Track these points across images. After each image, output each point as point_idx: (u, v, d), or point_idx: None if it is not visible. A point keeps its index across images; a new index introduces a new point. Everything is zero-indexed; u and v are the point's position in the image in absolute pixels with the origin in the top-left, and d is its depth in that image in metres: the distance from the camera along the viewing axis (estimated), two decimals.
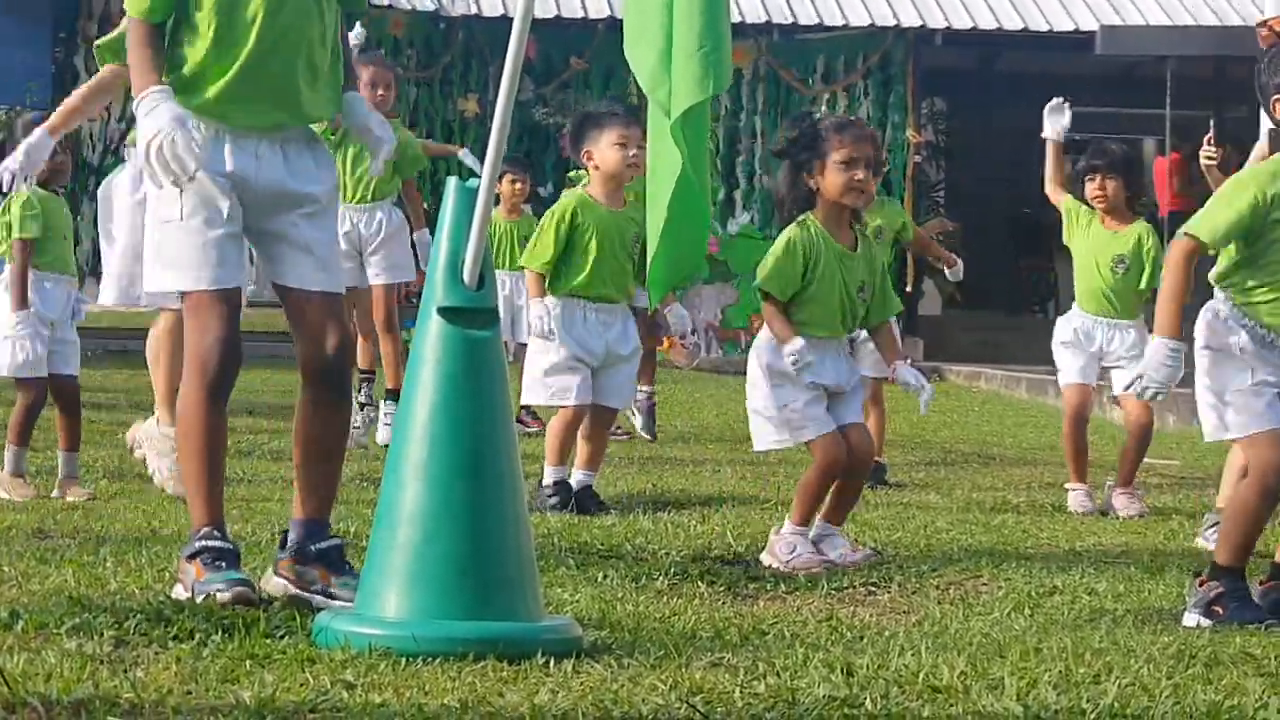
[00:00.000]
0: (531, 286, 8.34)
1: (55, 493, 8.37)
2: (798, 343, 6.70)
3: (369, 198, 10.33)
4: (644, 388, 11.71)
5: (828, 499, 6.89)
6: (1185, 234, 5.70)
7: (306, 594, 5.09)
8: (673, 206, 5.43)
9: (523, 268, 8.74)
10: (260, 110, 5.13)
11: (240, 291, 5.21)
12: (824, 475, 6.80)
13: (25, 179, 7.24)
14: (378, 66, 10.53)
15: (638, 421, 11.60)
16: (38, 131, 7.19)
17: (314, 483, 5.22)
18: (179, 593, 5.03)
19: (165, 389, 7.28)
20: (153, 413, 8.19)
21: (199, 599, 4.88)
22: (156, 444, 7.51)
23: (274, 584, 5.15)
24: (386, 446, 5.37)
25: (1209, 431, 5.78)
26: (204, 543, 5.05)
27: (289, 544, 5.19)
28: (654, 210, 5.53)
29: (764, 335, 6.89)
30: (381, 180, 10.25)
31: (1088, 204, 9.19)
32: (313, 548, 5.15)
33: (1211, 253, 5.73)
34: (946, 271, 10.60)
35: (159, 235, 5.12)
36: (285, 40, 5.13)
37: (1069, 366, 9.13)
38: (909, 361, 7.12)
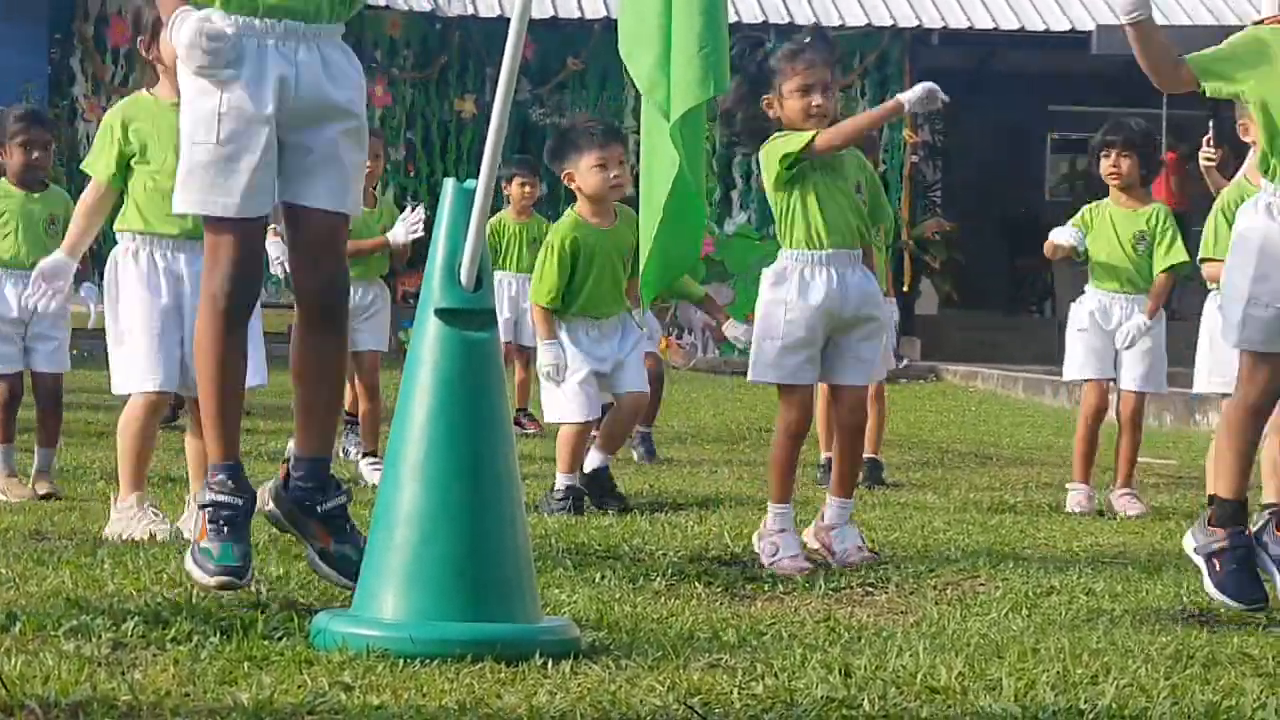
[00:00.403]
0: (541, 327, 8.27)
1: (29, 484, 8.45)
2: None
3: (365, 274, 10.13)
4: (641, 428, 11.59)
5: (833, 470, 6.82)
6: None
7: (295, 534, 5.13)
8: (668, 207, 5.42)
9: (529, 270, 8.74)
10: None
11: (264, 220, 5.15)
12: (785, 434, 6.62)
13: (51, 298, 7.18)
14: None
15: (635, 455, 11.48)
16: (57, 256, 7.14)
17: (313, 416, 5.17)
18: (186, 525, 5.04)
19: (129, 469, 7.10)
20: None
21: (192, 570, 4.96)
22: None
23: (269, 511, 5.16)
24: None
25: (1222, 333, 5.81)
26: (216, 496, 5.07)
27: (293, 484, 5.16)
28: (648, 210, 5.52)
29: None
30: (377, 259, 10.15)
31: (1091, 199, 9.21)
32: (319, 507, 5.14)
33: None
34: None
35: (190, 156, 5.05)
36: None
37: (1086, 361, 9.04)
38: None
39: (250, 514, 5.14)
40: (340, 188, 5.13)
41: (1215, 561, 5.64)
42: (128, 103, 6.93)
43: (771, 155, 6.65)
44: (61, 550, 6.02)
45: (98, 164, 6.84)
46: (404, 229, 9.84)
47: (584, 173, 8.22)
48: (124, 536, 6.58)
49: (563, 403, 8.24)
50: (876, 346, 6.85)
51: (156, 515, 6.76)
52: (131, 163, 6.77)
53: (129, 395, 6.79)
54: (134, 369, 6.75)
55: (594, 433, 8.59)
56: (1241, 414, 5.67)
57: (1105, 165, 9.03)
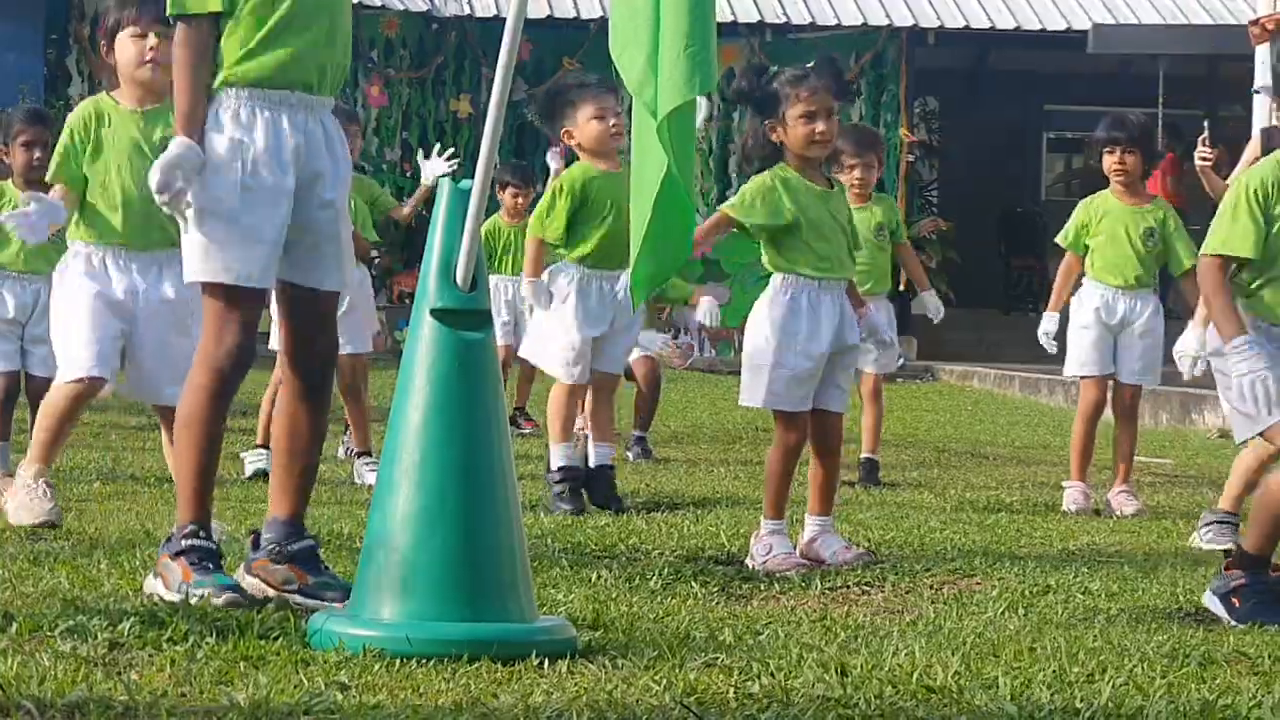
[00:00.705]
0: (531, 262, 8.25)
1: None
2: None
3: None
4: (637, 431, 11.58)
5: (811, 489, 6.89)
6: (1214, 255, 5.67)
7: (280, 593, 5.09)
8: (657, 207, 5.42)
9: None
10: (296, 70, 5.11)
11: (265, 295, 5.19)
12: (786, 454, 6.76)
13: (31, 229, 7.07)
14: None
15: (630, 455, 11.44)
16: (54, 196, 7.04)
17: (294, 480, 5.22)
18: (154, 586, 5.04)
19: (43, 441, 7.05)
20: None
21: (192, 599, 4.89)
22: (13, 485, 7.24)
23: (247, 583, 5.16)
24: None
25: (1243, 432, 5.78)
26: (190, 542, 5.07)
27: (263, 543, 5.20)
28: (638, 210, 5.52)
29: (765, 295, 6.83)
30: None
31: (1088, 196, 9.22)
32: (288, 549, 5.16)
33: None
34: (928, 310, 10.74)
35: (210, 225, 5.06)
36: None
37: (1087, 357, 9.04)
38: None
39: (222, 559, 5.16)
40: (339, 266, 5.21)
41: (1234, 600, 5.62)
42: (90, 106, 6.81)
43: (740, 207, 6.78)
44: (58, 551, 6.02)
45: (57, 171, 6.71)
46: (441, 163, 9.97)
47: (583, 126, 8.23)
48: (15, 522, 6.60)
49: (554, 358, 8.23)
50: (851, 376, 7.01)
51: (49, 494, 6.74)
52: (84, 167, 6.68)
53: (78, 385, 6.71)
54: (72, 355, 6.68)
55: (584, 428, 8.56)
56: None
57: (1110, 162, 9.03)
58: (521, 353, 8.71)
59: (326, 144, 5.18)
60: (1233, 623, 5.55)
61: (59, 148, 6.78)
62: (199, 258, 5.08)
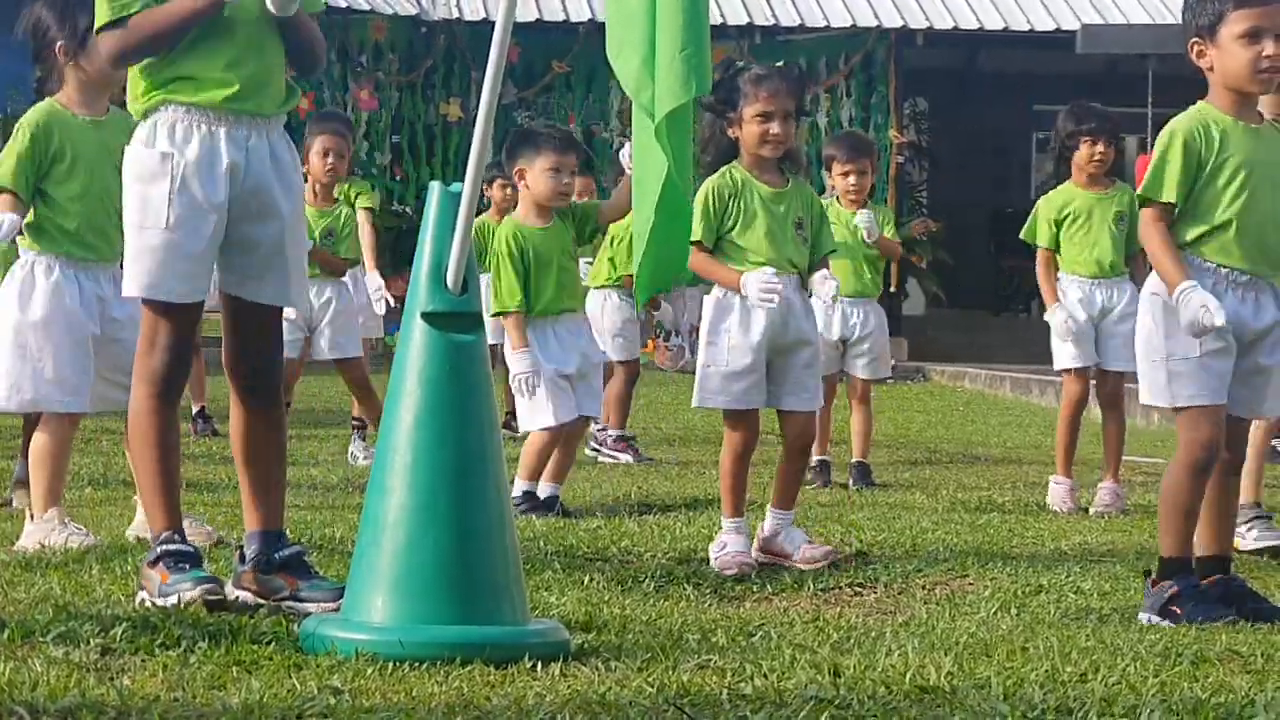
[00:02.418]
0: (514, 335, 8.17)
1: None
2: (755, 276, 6.63)
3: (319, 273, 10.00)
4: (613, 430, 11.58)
5: (775, 481, 6.88)
6: (1149, 202, 5.64)
7: (272, 603, 5.09)
8: (659, 209, 5.44)
9: None
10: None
11: (201, 305, 5.23)
12: (732, 453, 6.74)
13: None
14: (332, 133, 10.30)
15: (627, 457, 11.45)
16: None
17: (259, 492, 5.24)
18: (142, 598, 5.04)
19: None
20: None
21: (168, 602, 4.91)
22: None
23: (238, 596, 5.16)
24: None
25: (1151, 394, 5.72)
26: (165, 547, 5.09)
27: (247, 557, 5.21)
28: (640, 213, 5.54)
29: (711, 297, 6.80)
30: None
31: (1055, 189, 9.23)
32: (275, 556, 5.17)
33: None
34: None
35: (139, 240, 5.13)
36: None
37: (1071, 350, 9.07)
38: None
39: (202, 559, 5.17)
40: (284, 284, 5.23)
41: (1174, 609, 5.55)
42: (45, 113, 6.60)
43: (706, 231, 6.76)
44: (49, 556, 6.01)
45: (16, 178, 6.49)
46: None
47: (536, 174, 8.20)
48: (44, 543, 6.45)
49: (538, 410, 8.20)
50: (817, 373, 6.90)
51: (69, 524, 6.56)
52: (42, 179, 6.51)
53: (60, 420, 6.58)
54: (44, 388, 6.53)
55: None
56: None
57: (1092, 152, 9.05)
58: (523, 428, 8.67)
59: (275, 164, 5.19)
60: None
61: (17, 152, 6.51)
62: (131, 271, 5.17)
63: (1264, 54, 5.55)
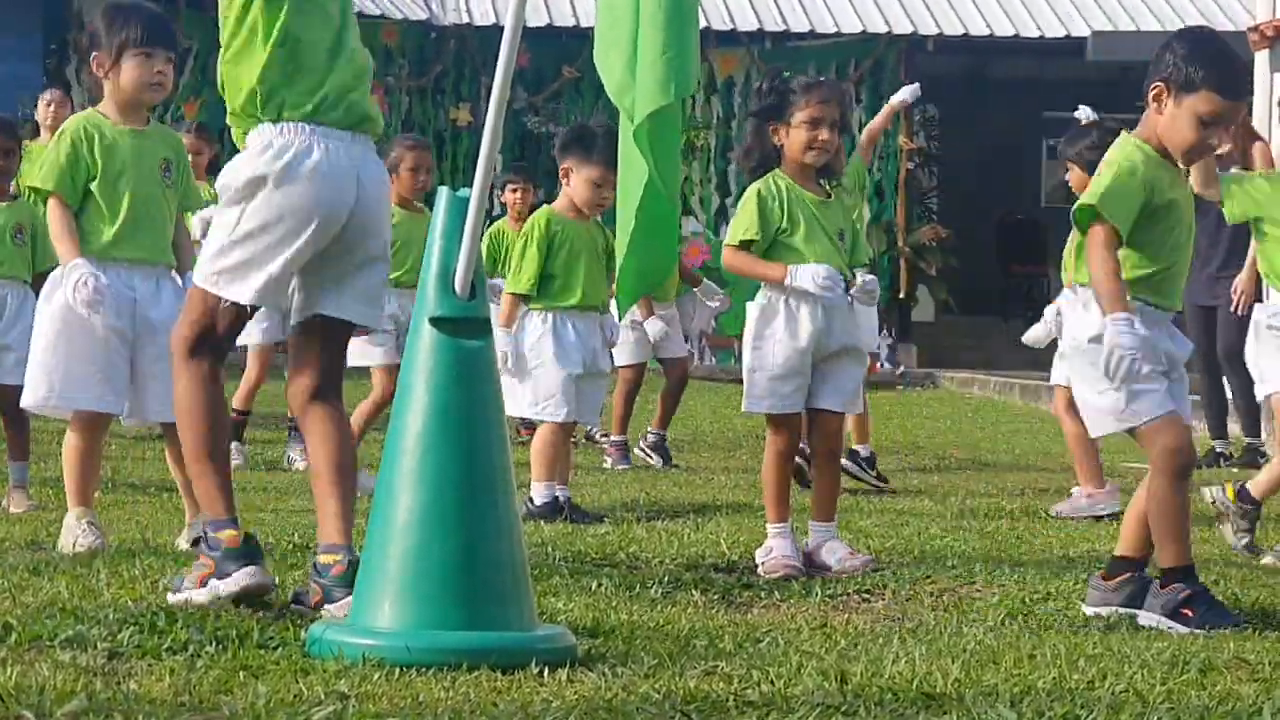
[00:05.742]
0: (509, 311, 8.32)
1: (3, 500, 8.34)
2: (812, 267, 6.66)
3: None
4: (657, 429, 11.66)
5: (813, 495, 6.91)
6: (1100, 219, 5.64)
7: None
8: (640, 215, 5.42)
9: None
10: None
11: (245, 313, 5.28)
12: (776, 457, 6.79)
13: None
14: (420, 150, 10.23)
15: (655, 461, 11.49)
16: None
17: (337, 505, 5.19)
18: (186, 588, 5.04)
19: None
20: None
21: (221, 591, 4.96)
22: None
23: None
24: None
25: (1102, 426, 5.75)
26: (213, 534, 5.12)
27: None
28: (622, 218, 5.52)
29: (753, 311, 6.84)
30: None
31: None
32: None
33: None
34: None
35: (228, 238, 5.14)
36: None
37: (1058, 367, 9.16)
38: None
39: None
40: (371, 307, 5.27)
41: (1185, 612, 5.59)
42: (86, 121, 6.69)
43: (737, 225, 6.82)
44: (57, 560, 6.01)
45: (63, 182, 6.57)
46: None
47: (580, 180, 8.37)
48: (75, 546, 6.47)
49: (542, 398, 8.22)
50: (858, 375, 6.99)
51: (92, 530, 6.58)
52: (89, 185, 6.56)
53: (91, 417, 6.62)
54: (76, 387, 6.55)
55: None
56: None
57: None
58: (508, 411, 8.69)
59: (381, 188, 5.25)
60: (1195, 632, 5.50)
61: (59, 159, 6.58)
62: (210, 261, 5.18)
63: (1206, 140, 5.65)
